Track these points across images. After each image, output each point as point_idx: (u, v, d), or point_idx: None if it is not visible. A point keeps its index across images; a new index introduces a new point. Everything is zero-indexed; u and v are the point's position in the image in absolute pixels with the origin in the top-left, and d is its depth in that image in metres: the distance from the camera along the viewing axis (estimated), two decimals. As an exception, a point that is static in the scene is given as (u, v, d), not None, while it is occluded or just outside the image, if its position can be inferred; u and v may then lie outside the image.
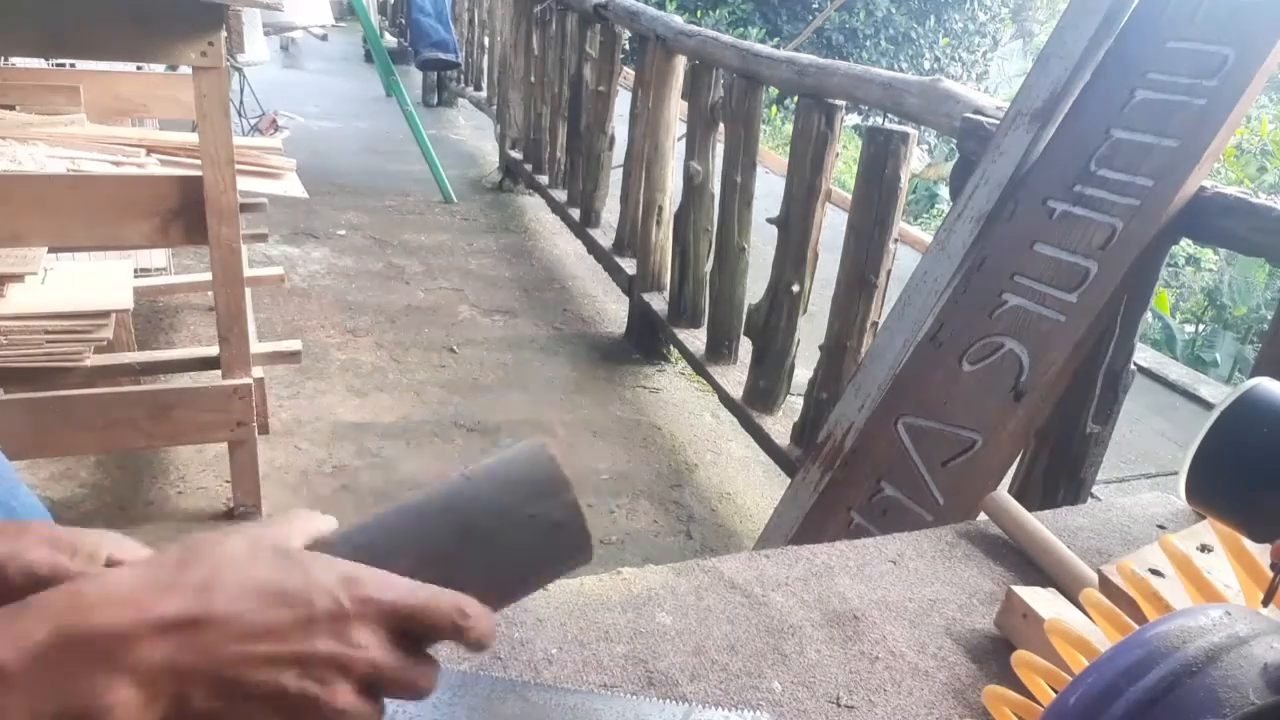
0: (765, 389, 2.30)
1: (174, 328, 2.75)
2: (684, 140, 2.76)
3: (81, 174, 1.76)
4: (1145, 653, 0.40)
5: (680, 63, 2.79)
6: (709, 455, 2.49)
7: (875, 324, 1.93)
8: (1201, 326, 4.90)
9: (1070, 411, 1.38)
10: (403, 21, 6.59)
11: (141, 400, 1.80)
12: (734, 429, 2.50)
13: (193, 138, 2.06)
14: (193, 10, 1.58)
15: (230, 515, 1.95)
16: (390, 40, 7.37)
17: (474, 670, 0.62)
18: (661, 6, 6.85)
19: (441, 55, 5.38)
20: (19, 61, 2.42)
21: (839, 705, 0.65)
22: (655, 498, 2.24)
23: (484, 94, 5.48)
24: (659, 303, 2.93)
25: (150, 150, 2.03)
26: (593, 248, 3.51)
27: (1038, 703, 0.58)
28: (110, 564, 0.42)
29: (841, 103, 2.03)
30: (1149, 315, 1.42)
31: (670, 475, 2.35)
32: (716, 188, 2.57)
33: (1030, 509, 0.90)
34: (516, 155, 4.53)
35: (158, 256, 2.53)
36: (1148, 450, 2.93)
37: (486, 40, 5.32)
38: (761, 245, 2.46)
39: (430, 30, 5.26)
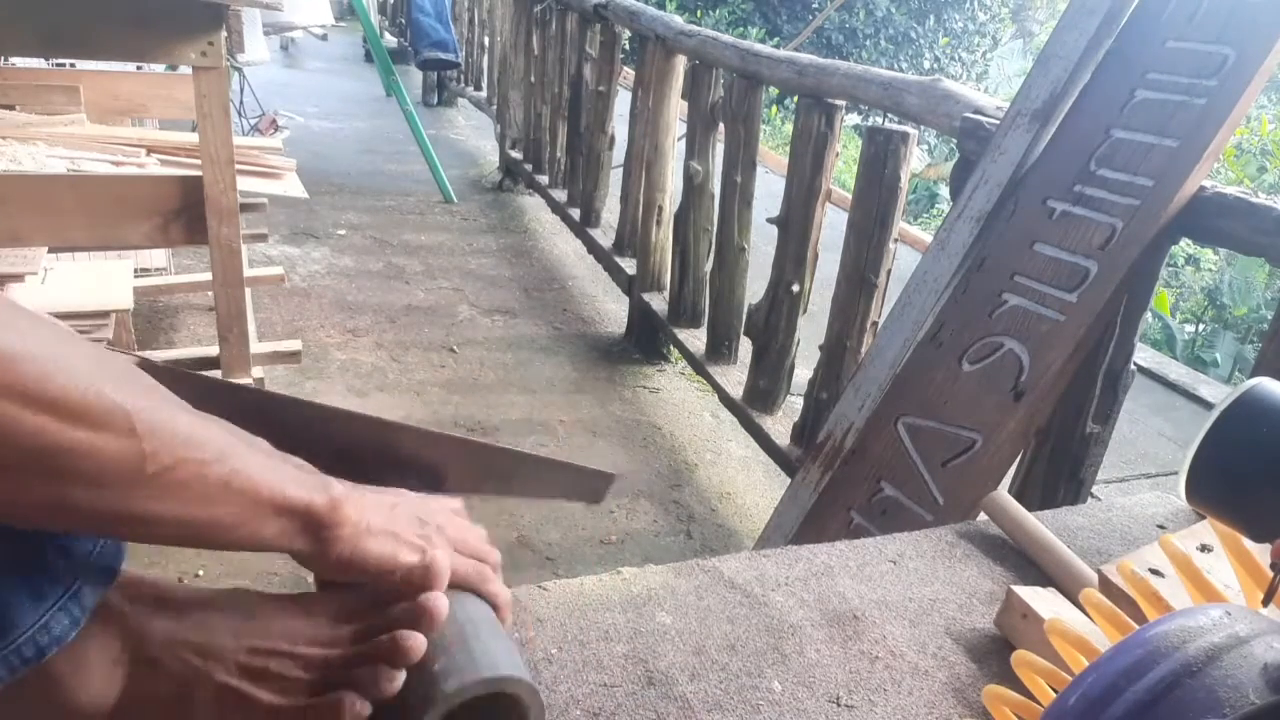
0: (765, 389, 2.30)
1: (174, 328, 2.75)
2: (684, 140, 2.76)
3: (81, 174, 1.76)
4: (1145, 653, 0.40)
5: (680, 63, 2.79)
6: (709, 455, 2.49)
7: (875, 324, 1.93)
8: (1201, 326, 4.90)
9: (1070, 411, 1.38)
10: (403, 21, 6.59)
11: (141, 400, 1.80)
12: (734, 429, 2.50)
13: (193, 138, 2.07)
14: (193, 10, 1.58)
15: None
16: (390, 40, 7.37)
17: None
18: (661, 6, 6.86)
19: (441, 55, 5.38)
20: (19, 61, 2.42)
21: (839, 705, 0.65)
22: (655, 498, 2.24)
23: (484, 94, 5.48)
24: (659, 303, 2.93)
25: (150, 150, 2.04)
26: (593, 247, 3.51)
27: (1038, 703, 0.58)
28: None
29: (841, 103, 2.03)
30: (1149, 315, 1.42)
31: (670, 475, 2.35)
32: (716, 188, 2.57)
33: (1030, 509, 0.90)
34: (516, 155, 4.53)
35: (158, 256, 2.54)
36: (1148, 450, 2.93)
37: (486, 40, 5.32)
38: (761, 245, 2.46)
39: (430, 30, 5.26)
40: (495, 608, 0.59)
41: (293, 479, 0.49)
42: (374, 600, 0.54)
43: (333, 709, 0.50)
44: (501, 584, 0.60)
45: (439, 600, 0.53)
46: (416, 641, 0.51)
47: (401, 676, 0.51)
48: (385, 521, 0.54)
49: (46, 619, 0.46)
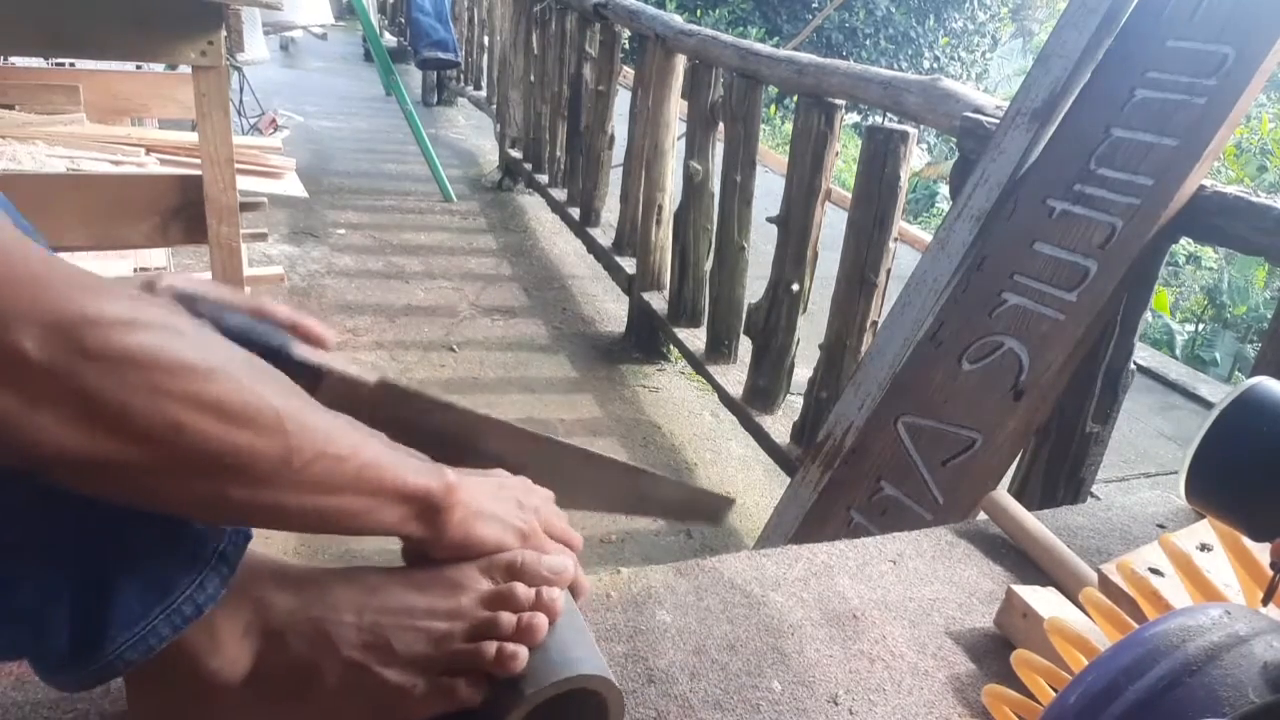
0: (765, 388, 2.30)
1: (174, 327, 2.75)
2: (684, 139, 2.76)
3: (81, 174, 1.76)
4: (1145, 651, 0.40)
5: (680, 62, 2.79)
6: (709, 454, 2.49)
7: (875, 323, 1.93)
8: (1201, 326, 4.90)
9: (1070, 411, 1.38)
10: (402, 21, 6.59)
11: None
12: (734, 428, 2.50)
13: (192, 137, 2.07)
14: (193, 10, 1.58)
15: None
16: (390, 39, 7.36)
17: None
18: (661, 6, 6.85)
19: (441, 54, 5.37)
20: (19, 61, 2.41)
21: (838, 705, 0.65)
22: (655, 497, 2.24)
23: (484, 93, 5.48)
24: (659, 302, 2.93)
25: (150, 150, 2.04)
26: (592, 247, 3.51)
27: (1038, 702, 0.58)
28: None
29: (841, 102, 2.03)
30: (1149, 314, 1.42)
31: (670, 474, 2.35)
32: (716, 187, 2.57)
33: (1030, 508, 0.90)
34: (516, 154, 4.53)
35: (157, 256, 2.53)
36: (1148, 450, 2.93)
37: (486, 39, 5.32)
38: (761, 244, 2.46)
39: (430, 29, 5.25)
40: (575, 592, 0.62)
41: (412, 468, 0.52)
42: (486, 575, 0.57)
43: (447, 693, 0.53)
44: (581, 571, 0.63)
45: (560, 598, 0.57)
46: (543, 622, 0.54)
47: (525, 654, 0.53)
48: (492, 505, 0.58)
49: (201, 578, 0.48)
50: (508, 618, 0.54)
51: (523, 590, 0.56)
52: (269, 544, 1.82)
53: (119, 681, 0.55)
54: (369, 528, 0.50)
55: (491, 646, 0.53)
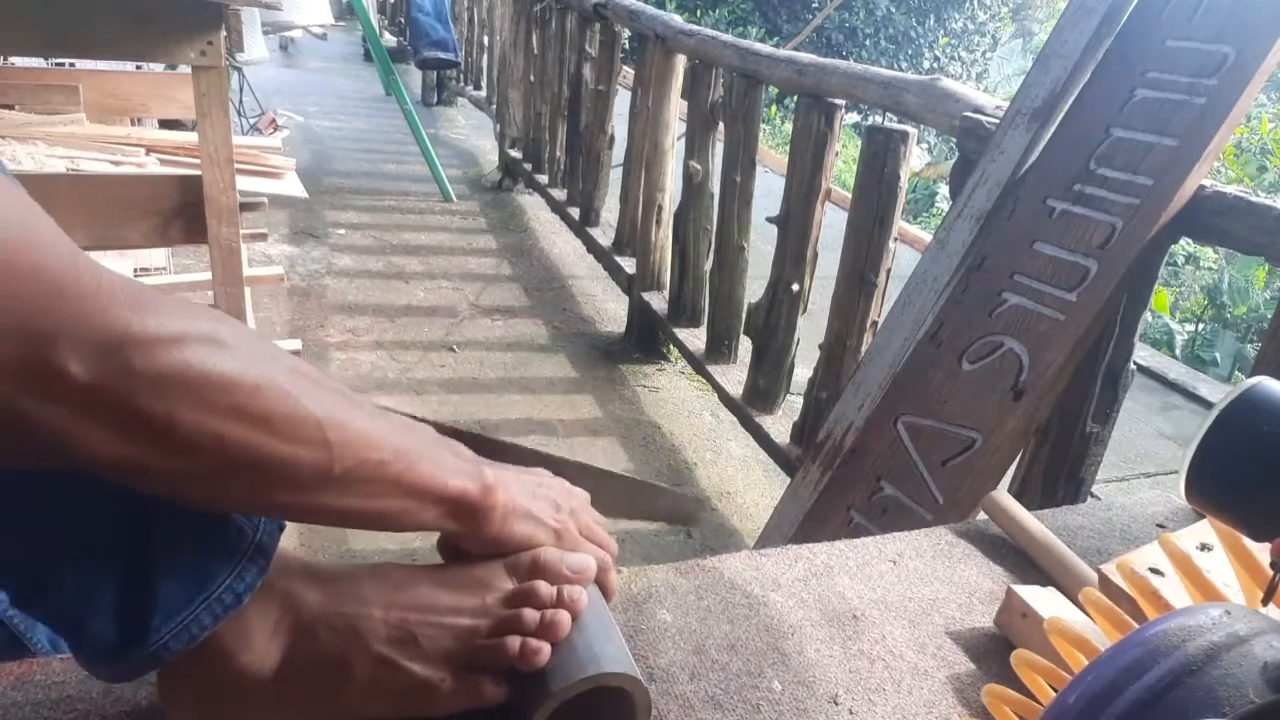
0: (765, 388, 2.30)
1: (174, 327, 2.74)
2: (684, 139, 2.76)
3: (81, 174, 1.76)
4: (1145, 651, 0.40)
5: (680, 62, 2.79)
6: (709, 454, 2.49)
7: (875, 323, 1.93)
8: (1201, 326, 4.90)
9: (1070, 411, 1.38)
10: (402, 20, 6.59)
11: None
12: (734, 428, 2.50)
13: (192, 137, 2.07)
14: (192, 10, 1.58)
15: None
16: (390, 39, 7.36)
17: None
18: (661, 5, 6.85)
19: (441, 54, 5.37)
20: (19, 61, 2.41)
21: (838, 704, 0.65)
22: (655, 497, 2.24)
23: (483, 93, 5.48)
24: (659, 302, 2.93)
25: (150, 150, 2.04)
26: (592, 247, 3.51)
27: (1038, 702, 0.58)
28: None
29: (841, 102, 2.03)
30: (1149, 314, 1.42)
31: (670, 474, 2.35)
32: (716, 187, 2.57)
33: (1030, 508, 0.90)
34: (516, 154, 4.53)
35: (157, 256, 2.53)
36: (1147, 450, 2.93)
37: (486, 39, 5.32)
38: (761, 244, 2.46)
39: (429, 29, 5.25)
40: (605, 592, 0.63)
41: (452, 469, 0.53)
42: (511, 573, 0.58)
43: (473, 689, 0.54)
44: (612, 573, 0.64)
45: (582, 595, 0.58)
46: (565, 619, 0.55)
47: (548, 650, 0.54)
48: (528, 504, 0.59)
49: (239, 568, 0.50)
50: (530, 614, 0.55)
51: (544, 588, 0.57)
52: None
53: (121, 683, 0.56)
54: (408, 525, 0.52)
55: (515, 641, 0.54)
